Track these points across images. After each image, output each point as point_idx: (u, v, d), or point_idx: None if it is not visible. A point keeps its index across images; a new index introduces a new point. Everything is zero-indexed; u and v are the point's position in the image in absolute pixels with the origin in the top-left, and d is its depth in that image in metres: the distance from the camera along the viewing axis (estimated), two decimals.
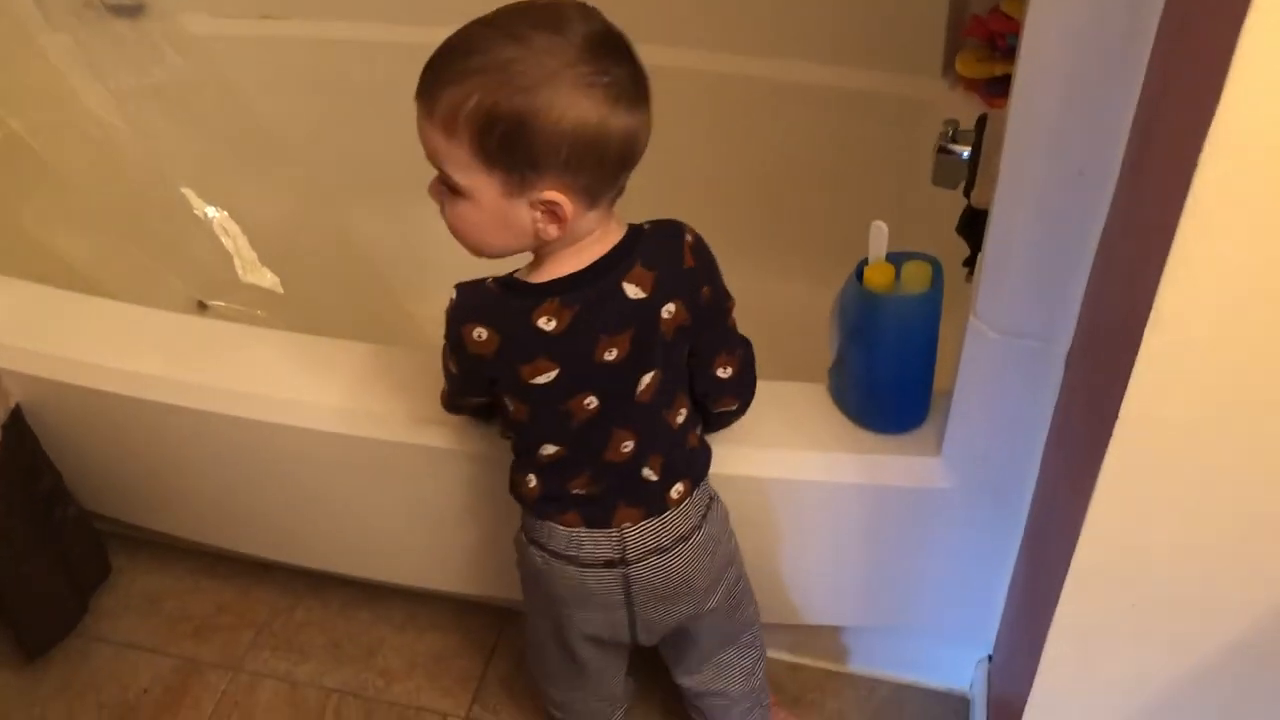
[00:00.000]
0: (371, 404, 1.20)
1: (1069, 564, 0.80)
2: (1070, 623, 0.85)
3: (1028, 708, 0.94)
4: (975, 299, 0.96)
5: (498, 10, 0.86)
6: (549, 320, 0.93)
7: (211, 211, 1.50)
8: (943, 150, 1.27)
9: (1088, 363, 0.87)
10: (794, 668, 1.39)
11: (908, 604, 1.22)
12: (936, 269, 1.04)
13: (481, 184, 0.87)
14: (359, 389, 1.22)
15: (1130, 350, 0.67)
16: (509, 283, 0.95)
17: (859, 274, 1.05)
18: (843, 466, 1.11)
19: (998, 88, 1.49)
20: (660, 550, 1.03)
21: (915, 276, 1.04)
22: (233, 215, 1.51)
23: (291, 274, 1.53)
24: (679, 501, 1.03)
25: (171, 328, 1.33)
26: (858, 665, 1.38)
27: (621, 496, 1.02)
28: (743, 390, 1.09)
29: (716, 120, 1.60)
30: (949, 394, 1.07)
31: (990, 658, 1.27)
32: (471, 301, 0.95)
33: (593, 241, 0.93)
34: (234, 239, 1.50)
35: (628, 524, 1.02)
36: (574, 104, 0.83)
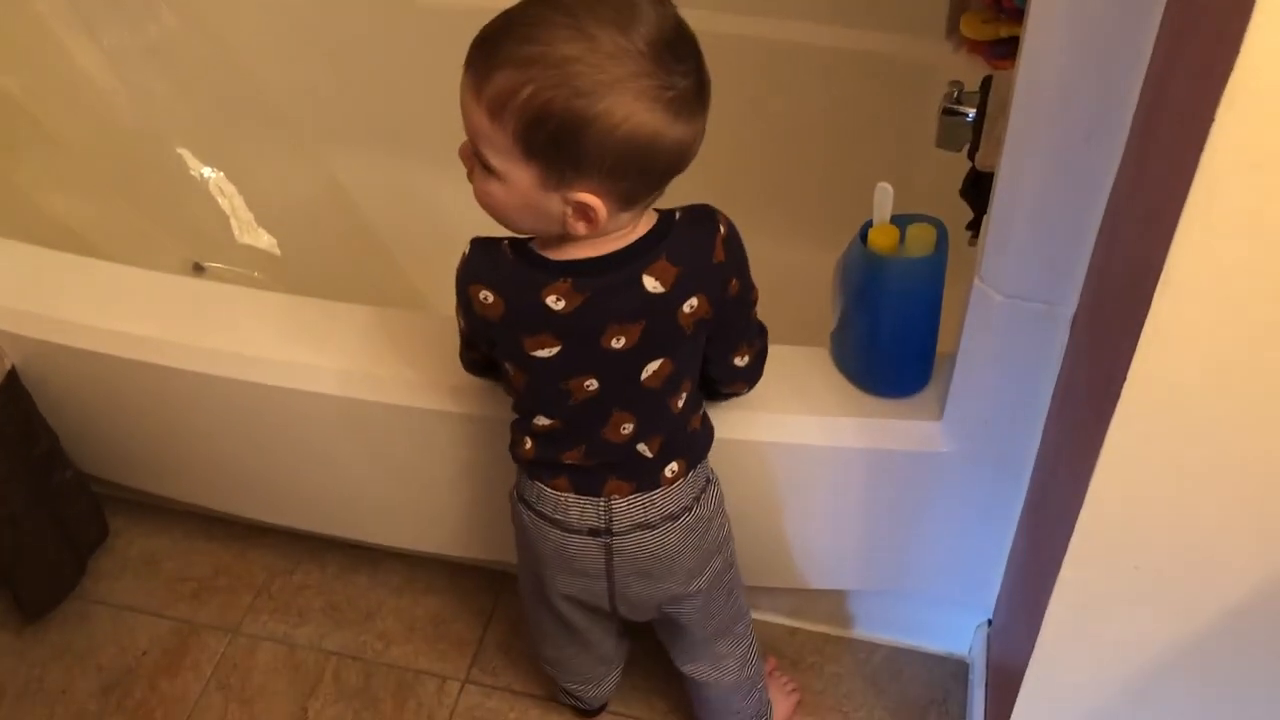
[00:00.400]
0: (369, 366, 1.19)
1: (1072, 527, 0.80)
2: (1072, 586, 0.84)
3: (1028, 671, 0.94)
4: (980, 262, 0.95)
5: None
6: (558, 300, 0.91)
7: (208, 172, 1.48)
8: (947, 112, 1.25)
9: (1093, 326, 0.87)
10: (792, 631, 1.40)
11: (908, 568, 1.22)
12: (941, 232, 1.03)
13: (517, 171, 0.84)
14: (356, 351, 1.21)
15: (1138, 313, 0.66)
16: (524, 251, 0.93)
17: (863, 236, 1.04)
18: (844, 430, 1.11)
19: (1003, 49, 1.48)
20: (646, 526, 1.02)
21: (920, 239, 1.03)
22: (229, 176, 1.49)
23: (288, 235, 1.52)
24: (672, 480, 1.02)
25: (168, 290, 1.32)
26: (856, 629, 1.39)
27: (614, 471, 1.01)
28: (754, 376, 1.08)
29: (717, 81, 1.57)
30: (951, 358, 1.07)
31: (990, 622, 1.27)
32: (483, 263, 0.93)
33: (620, 234, 0.91)
34: (230, 199, 1.48)
35: (616, 496, 1.01)
36: (631, 115, 0.80)
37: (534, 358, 0.94)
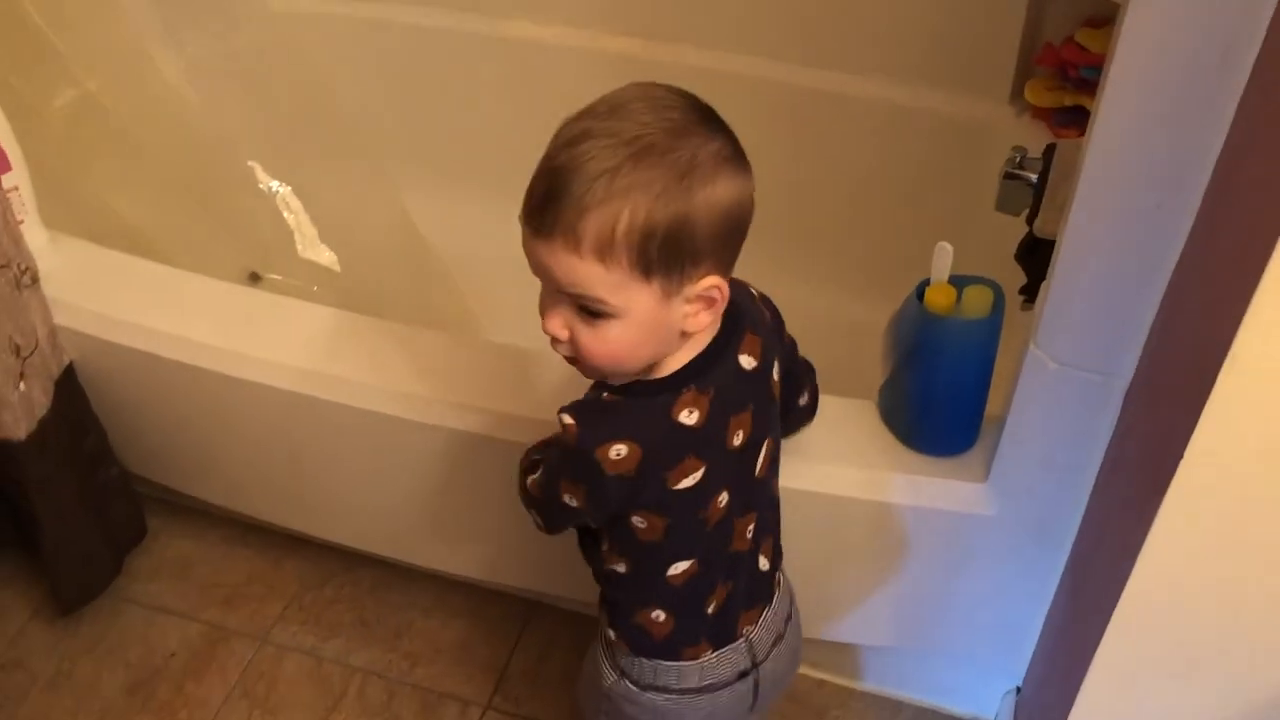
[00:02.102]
0: (416, 387, 1.21)
1: (1116, 599, 0.79)
2: (1111, 660, 0.84)
3: None
4: (1036, 328, 0.95)
5: (586, 117, 0.78)
6: (690, 413, 0.84)
7: (276, 185, 1.51)
8: (1009, 176, 1.26)
9: (1150, 399, 0.86)
10: (818, 683, 1.39)
11: (940, 629, 1.22)
12: (998, 294, 1.04)
13: (638, 296, 0.78)
14: (405, 371, 1.22)
15: (1200, 389, 0.66)
16: (629, 388, 0.85)
17: (920, 294, 1.05)
18: (887, 486, 1.11)
19: (1066, 117, 1.49)
20: (779, 638, 1.00)
21: (976, 300, 1.04)
22: (296, 192, 1.52)
23: (350, 253, 1.54)
24: (779, 583, 1.00)
25: (225, 297, 1.35)
26: (882, 685, 1.37)
27: (742, 602, 0.95)
28: (814, 410, 1.09)
29: (781, 131, 1.59)
30: (999, 421, 1.07)
31: (1019, 689, 1.26)
32: (600, 420, 0.84)
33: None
34: (296, 215, 1.51)
35: (749, 627, 0.96)
36: (719, 184, 0.77)
37: (678, 492, 0.85)
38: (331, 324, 1.29)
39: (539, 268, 0.80)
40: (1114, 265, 0.86)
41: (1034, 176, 1.25)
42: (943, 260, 1.03)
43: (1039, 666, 1.16)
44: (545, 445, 0.98)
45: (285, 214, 1.49)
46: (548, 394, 1.19)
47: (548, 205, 0.77)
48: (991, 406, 1.10)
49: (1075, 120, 1.47)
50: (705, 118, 0.79)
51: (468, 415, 1.19)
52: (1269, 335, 0.62)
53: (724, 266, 0.81)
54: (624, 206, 0.75)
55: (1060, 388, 0.95)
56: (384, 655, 1.45)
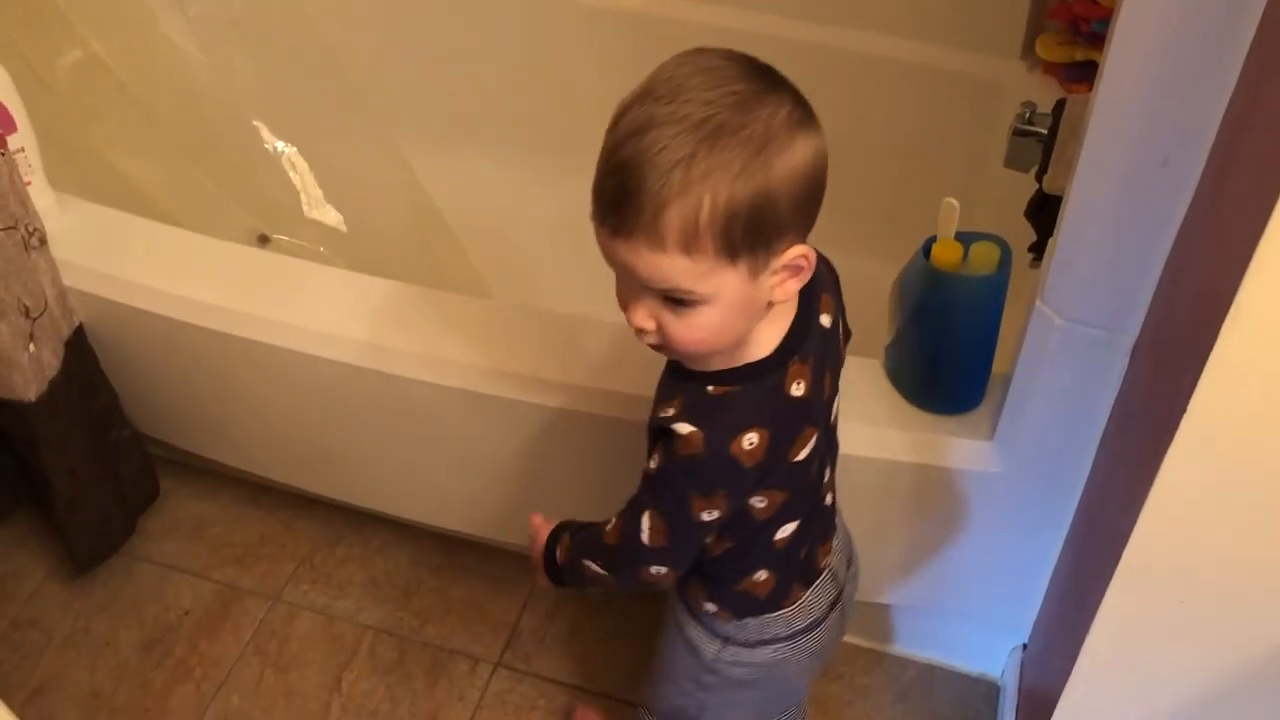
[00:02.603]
0: (423, 348, 1.21)
1: (1119, 555, 0.80)
2: (1115, 615, 0.84)
3: (1062, 699, 0.93)
4: (1043, 284, 0.95)
5: (647, 101, 0.73)
6: (798, 385, 0.82)
7: (281, 146, 1.51)
8: (1018, 132, 1.25)
9: (1156, 354, 0.86)
10: None
11: (947, 586, 1.22)
12: (1005, 251, 1.03)
13: (726, 281, 0.75)
14: (412, 332, 1.22)
15: (1204, 343, 0.66)
16: (737, 373, 0.82)
17: (926, 251, 1.04)
18: (893, 444, 1.11)
19: (1078, 72, 1.47)
20: (849, 558, 1.03)
21: (983, 257, 1.03)
22: (302, 152, 1.51)
23: (355, 213, 1.54)
24: (838, 512, 1.01)
25: (233, 259, 1.35)
26: (889, 644, 1.38)
27: (820, 539, 0.96)
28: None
29: None
30: (1006, 378, 1.07)
31: (1025, 646, 1.26)
32: (720, 415, 0.81)
33: None
34: (301, 175, 1.51)
35: (827, 559, 0.98)
36: (795, 150, 0.73)
37: (797, 464, 0.84)
38: (341, 284, 1.29)
39: (620, 266, 0.77)
40: (1120, 221, 0.86)
41: (1044, 132, 1.24)
42: (949, 216, 1.02)
43: (1045, 623, 1.16)
44: (581, 527, 0.95)
45: (291, 174, 1.49)
46: (568, 356, 1.19)
47: (624, 204, 0.72)
48: (999, 365, 1.10)
49: (1086, 75, 1.45)
50: (769, 83, 0.75)
51: (476, 376, 1.19)
52: (1272, 288, 0.61)
53: (806, 232, 0.78)
54: (704, 194, 0.71)
55: (1066, 344, 0.95)
56: (394, 613, 1.46)
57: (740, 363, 0.82)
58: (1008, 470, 1.07)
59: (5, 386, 1.27)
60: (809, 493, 0.90)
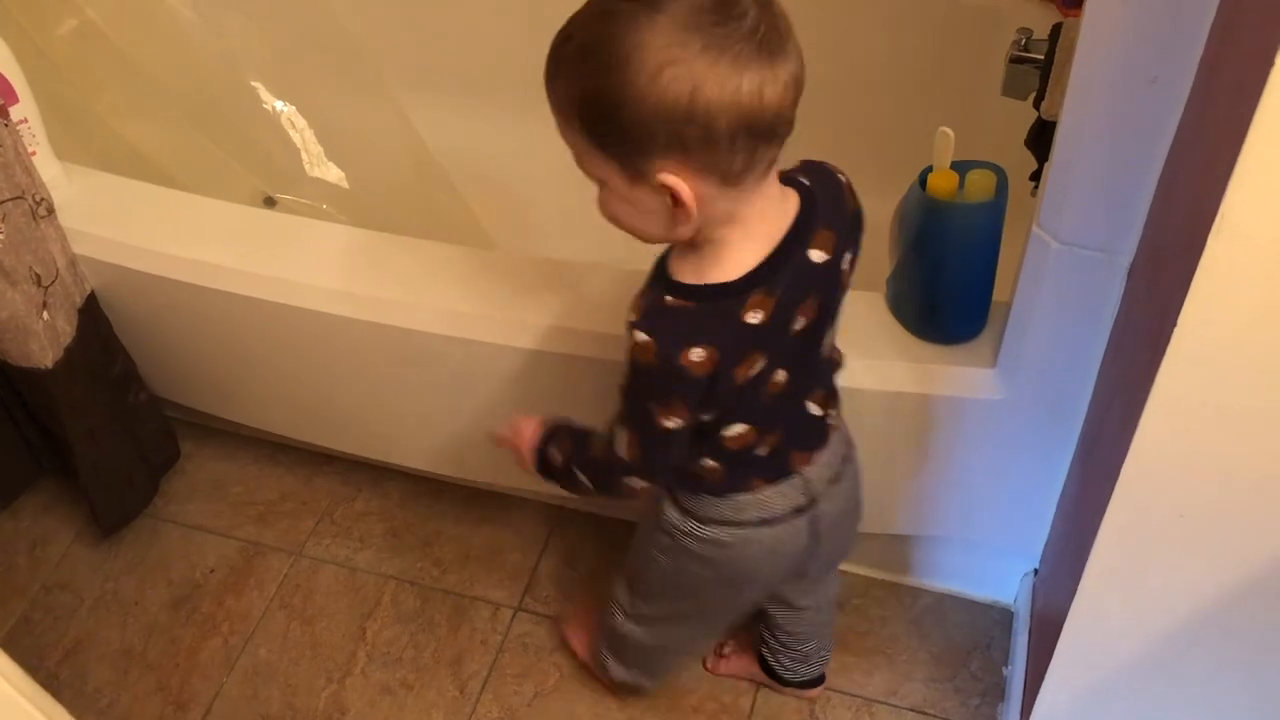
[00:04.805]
0: (432, 300, 1.22)
1: (1119, 472, 0.81)
2: (1116, 533, 0.85)
3: (1069, 618, 0.94)
4: (1039, 208, 0.95)
5: None
6: (756, 314, 0.85)
7: (280, 105, 1.51)
8: (1015, 59, 1.25)
9: (1150, 274, 0.86)
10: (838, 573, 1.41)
11: (957, 515, 1.23)
12: (1001, 178, 1.03)
13: (606, 171, 0.80)
14: (420, 284, 1.23)
15: (1193, 257, 0.67)
16: (697, 291, 0.85)
17: (922, 181, 1.04)
18: (897, 375, 1.12)
19: None
20: (835, 479, 1.03)
21: (979, 185, 1.03)
22: (301, 110, 1.52)
23: (357, 170, 1.55)
24: (835, 427, 1.02)
25: (240, 220, 1.36)
26: (902, 573, 1.40)
27: (795, 443, 0.99)
28: None
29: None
30: (1007, 305, 1.07)
31: (1036, 571, 1.28)
32: (673, 327, 0.84)
33: (767, 218, 0.85)
34: (301, 133, 1.51)
35: (804, 466, 1.00)
36: (659, 74, 0.73)
37: (741, 385, 0.88)
38: (347, 241, 1.30)
39: None
40: (1112, 141, 0.86)
41: (1040, 58, 1.23)
42: (944, 145, 1.02)
43: (1054, 547, 1.18)
44: (576, 436, 1.01)
45: (291, 133, 1.50)
46: (573, 303, 1.20)
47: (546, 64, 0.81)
48: (1000, 293, 1.10)
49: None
50: (725, 4, 0.74)
51: (485, 326, 1.21)
52: (1256, 197, 0.61)
53: (688, 168, 0.77)
54: (572, 77, 0.78)
55: (1064, 267, 0.95)
56: (415, 563, 1.49)
57: (704, 281, 0.85)
58: (1011, 396, 1.08)
59: (23, 354, 1.29)
60: (759, 406, 0.92)
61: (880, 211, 1.18)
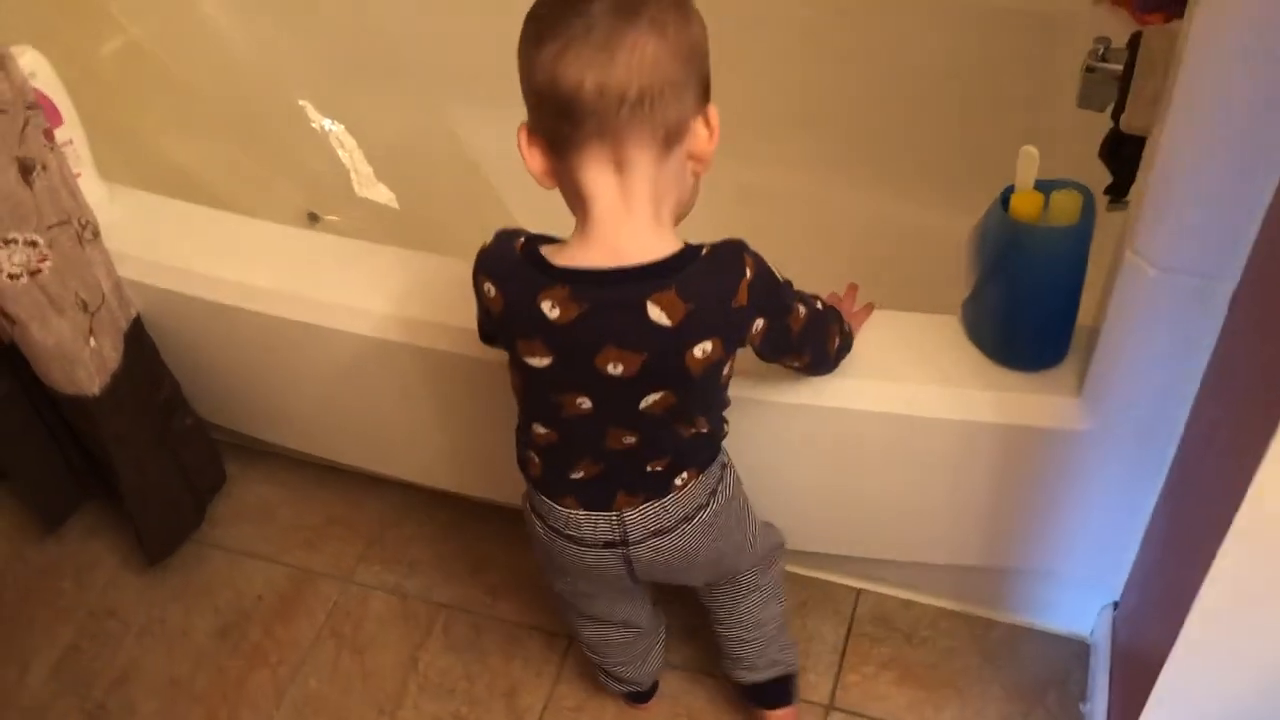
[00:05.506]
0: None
1: (1231, 516, 0.75)
2: (1226, 579, 0.80)
3: (1168, 662, 0.89)
4: (1133, 233, 0.90)
5: None
6: (553, 307, 0.87)
7: (329, 124, 1.49)
8: (1091, 69, 1.20)
9: (1260, 303, 0.81)
10: (906, 604, 1.36)
11: (1034, 547, 1.18)
12: (1088, 199, 0.98)
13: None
14: (470, 309, 1.20)
15: None
16: (533, 251, 0.90)
17: (1004, 202, 0.99)
18: (975, 404, 1.07)
19: (1150, 2, 1.40)
20: (660, 532, 1.00)
21: (1064, 206, 0.98)
22: (349, 129, 1.49)
23: (406, 190, 1.52)
24: (683, 487, 0.99)
25: (286, 242, 1.33)
26: (972, 604, 1.35)
27: (622, 485, 0.98)
28: (821, 367, 1.05)
29: (848, 24, 1.52)
30: (1091, 330, 1.02)
31: (1115, 605, 1.22)
32: (494, 254, 0.93)
33: (621, 237, 0.87)
34: (350, 153, 1.48)
35: (627, 509, 0.98)
36: (533, 49, 0.84)
37: (526, 364, 0.92)
38: (397, 264, 1.27)
39: None
40: (1218, 165, 0.80)
41: (1118, 68, 1.18)
42: (1028, 166, 0.98)
43: (1139, 582, 1.12)
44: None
45: (340, 152, 1.47)
46: None
47: None
48: (1082, 315, 1.05)
49: (1159, 6, 1.38)
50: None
51: None
52: None
53: (534, 126, 0.87)
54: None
55: (1160, 295, 0.90)
56: (466, 590, 1.45)
57: (546, 254, 0.89)
58: (1097, 427, 1.03)
59: (69, 382, 1.27)
60: (559, 417, 0.94)
61: (946, 225, 1.13)
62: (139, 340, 1.35)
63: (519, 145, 0.88)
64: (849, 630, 1.35)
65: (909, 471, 1.14)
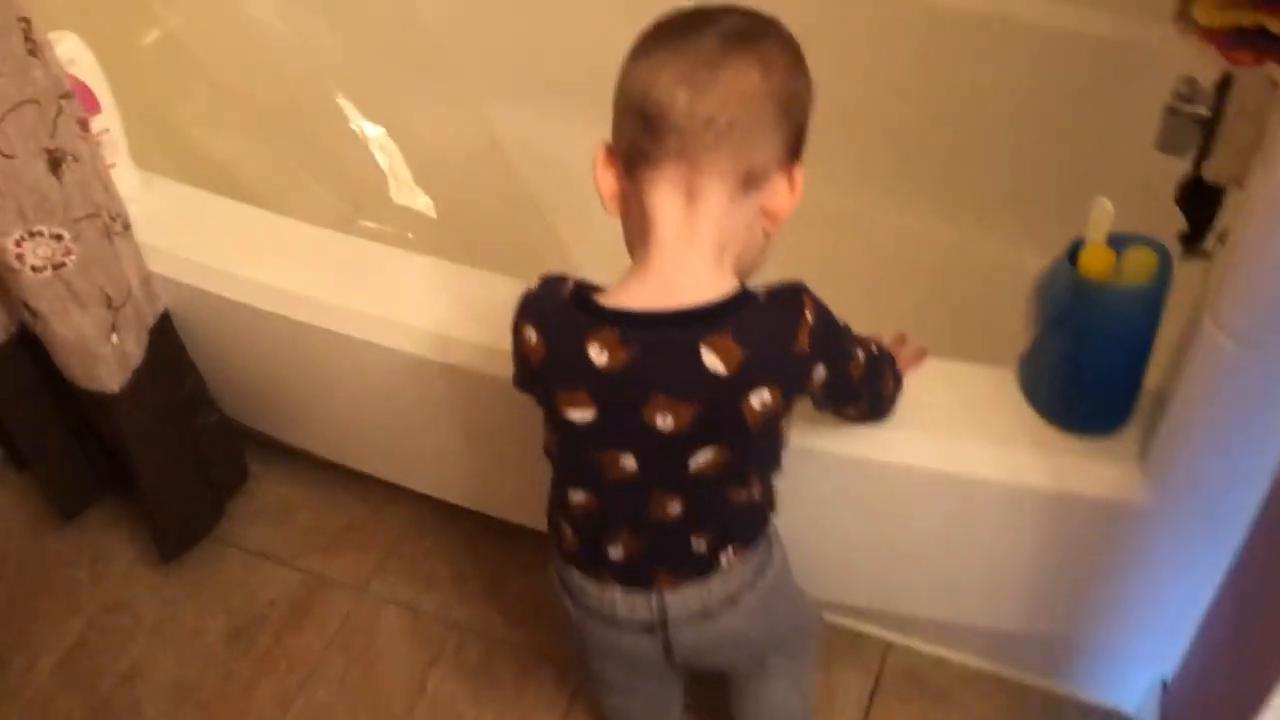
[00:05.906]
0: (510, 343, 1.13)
1: None
2: None
3: None
4: (1213, 301, 0.83)
5: None
6: (601, 351, 0.82)
7: (369, 128, 1.45)
8: (1175, 112, 1.12)
9: None
10: (938, 661, 1.30)
11: (1080, 618, 1.11)
12: (1164, 259, 0.91)
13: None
14: (501, 325, 1.15)
15: None
16: (581, 294, 0.86)
17: (1072, 256, 0.92)
18: (1026, 466, 1.00)
19: (1240, 41, 1.32)
20: (706, 615, 0.93)
21: (1138, 264, 0.91)
22: (390, 133, 1.45)
23: (445, 197, 1.48)
24: (729, 566, 0.92)
25: (320, 245, 1.29)
26: (1010, 666, 1.28)
27: (663, 562, 0.91)
28: (876, 414, 1.00)
29: (919, 51, 1.45)
30: (1155, 395, 0.95)
31: (1165, 684, 1.15)
32: (539, 297, 0.88)
33: (678, 270, 0.83)
34: (390, 157, 1.44)
35: (668, 589, 0.91)
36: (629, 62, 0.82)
37: (567, 420, 0.86)
38: (434, 275, 1.22)
39: None
40: None
41: (1204, 112, 1.10)
42: (1101, 218, 0.91)
43: (1196, 669, 1.05)
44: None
45: (379, 156, 1.43)
46: None
47: None
48: (1149, 377, 0.98)
49: (1250, 44, 1.29)
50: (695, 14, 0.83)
51: None
52: None
53: (614, 140, 0.84)
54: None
55: (1239, 370, 0.83)
56: (483, 612, 1.40)
57: (596, 297, 0.85)
58: (1160, 500, 0.96)
59: (88, 377, 1.24)
60: (598, 480, 0.88)
61: (1009, 258, 1.06)
62: (165, 336, 1.32)
63: (595, 163, 0.85)
64: (875, 685, 1.29)
65: (950, 531, 1.07)
